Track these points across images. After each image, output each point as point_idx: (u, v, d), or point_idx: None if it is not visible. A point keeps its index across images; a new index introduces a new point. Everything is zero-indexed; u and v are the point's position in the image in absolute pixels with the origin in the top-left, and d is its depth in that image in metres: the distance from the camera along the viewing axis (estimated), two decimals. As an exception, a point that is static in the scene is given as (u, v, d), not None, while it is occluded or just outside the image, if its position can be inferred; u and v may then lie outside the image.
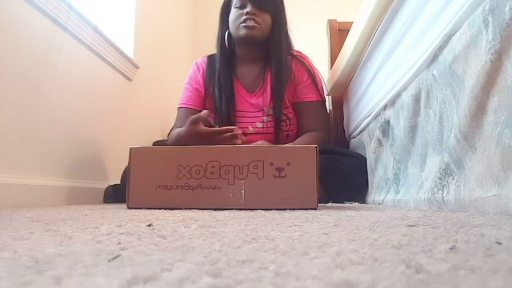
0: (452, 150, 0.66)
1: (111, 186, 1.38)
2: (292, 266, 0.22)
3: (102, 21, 1.49)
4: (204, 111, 1.11)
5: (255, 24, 1.32)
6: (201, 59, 1.48)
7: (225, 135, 1.07)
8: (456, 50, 0.68)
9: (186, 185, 0.83)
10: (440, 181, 0.71)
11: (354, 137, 1.49)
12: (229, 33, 1.39)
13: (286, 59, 1.38)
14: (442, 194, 0.70)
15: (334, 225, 0.44)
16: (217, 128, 1.10)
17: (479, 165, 0.59)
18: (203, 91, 1.42)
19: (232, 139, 1.06)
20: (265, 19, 1.34)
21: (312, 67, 1.44)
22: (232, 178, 0.82)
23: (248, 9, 1.31)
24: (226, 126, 1.35)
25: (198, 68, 1.45)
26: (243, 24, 1.32)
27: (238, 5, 1.34)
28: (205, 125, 1.10)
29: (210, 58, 1.46)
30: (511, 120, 0.52)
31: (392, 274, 0.20)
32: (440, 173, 0.71)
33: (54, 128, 1.16)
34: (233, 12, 1.36)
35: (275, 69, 1.36)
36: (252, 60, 1.41)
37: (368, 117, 1.25)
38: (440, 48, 0.74)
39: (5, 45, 0.96)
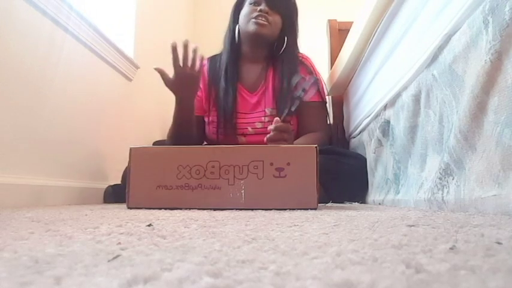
0: (452, 150, 0.66)
1: (111, 186, 1.38)
2: (292, 266, 0.22)
3: (102, 21, 1.49)
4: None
5: (266, 23, 1.33)
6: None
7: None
8: (456, 50, 0.68)
9: (186, 185, 0.83)
10: (440, 181, 0.71)
11: (354, 137, 1.49)
12: (238, 30, 1.40)
13: (297, 65, 1.39)
14: (442, 194, 0.70)
15: (334, 225, 0.44)
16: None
17: (479, 165, 0.59)
18: (203, 93, 1.42)
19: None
20: (276, 20, 1.36)
21: (313, 68, 1.45)
22: (232, 178, 0.82)
23: (262, 6, 1.34)
24: (229, 126, 1.36)
25: None
26: (254, 20, 1.34)
27: (253, 2, 1.37)
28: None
29: (212, 59, 1.46)
30: (511, 120, 0.52)
31: (392, 274, 0.20)
32: (440, 173, 0.71)
33: (54, 127, 1.16)
34: (246, 8, 1.38)
35: (286, 72, 1.36)
36: (255, 58, 1.41)
37: (368, 117, 1.25)
38: (440, 48, 0.74)
39: (5, 45, 0.96)
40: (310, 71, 1.42)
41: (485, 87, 0.58)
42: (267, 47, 1.39)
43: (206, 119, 1.44)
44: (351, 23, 1.33)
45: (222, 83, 1.39)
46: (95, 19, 1.38)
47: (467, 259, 0.23)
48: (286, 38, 1.38)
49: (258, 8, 1.34)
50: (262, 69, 1.41)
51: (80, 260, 0.23)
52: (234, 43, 1.41)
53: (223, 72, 1.40)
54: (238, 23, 1.40)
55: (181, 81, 1.09)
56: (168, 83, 1.12)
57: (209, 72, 1.44)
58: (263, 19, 1.33)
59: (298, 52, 1.46)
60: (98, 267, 0.22)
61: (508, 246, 0.27)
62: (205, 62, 1.47)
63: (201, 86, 1.43)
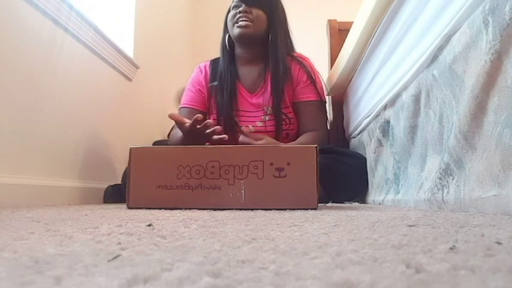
0: (452, 150, 0.66)
1: (111, 186, 1.38)
2: (292, 266, 0.22)
3: (102, 21, 1.49)
4: (196, 115, 1.07)
5: (248, 22, 1.35)
6: (204, 63, 1.51)
7: (213, 137, 1.07)
8: (456, 50, 0.68)
9: (186, 185, 0.83)
10: (440, 181, 0.71)
11: (354, 137, 1.49)
12: (229, 36, 1.42)
13: (284, 58, 1.39)
14: (442, 194, 0.70)
15: (334, 225, 0.44)
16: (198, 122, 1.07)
17: (479, 165, 0.59)
18: (206, 92, 1.44)
19: (217, 142, 1.07)
20: (259, 16, 1.37)
21: (312, 68, 1.45)
22: (232, 178, 0.82)
23: (241, 8, 1.35)
24: (228, 124, 1.37)
25: (201, 71, 1.48)
26: (237, 24, 1.36)
27: (234, 6, 1.39)
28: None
29: (214, 62, 1.49)
30: (511, 120, 0.52)
31: (392, 274, 0.20)
32: (440, 173, 0.71)
33: (54, 128, 1.15)
34: (230, 14, 1.40)
35: (273, 65, 1.38)
36: (252, 60, 1.43)
37: (368, 117, 1.25)
38: (440, 48, 0.74)
39: (6, 46, 0.96)
40: (308, 71, 1.43)
41: (485, 87, 0.58)
42: (258, 45, 1.40)
43: (208, 118, 1.45)
44: (351, 23, 1.33)
45: (221, 83, 1.40)
46: (95, 19, 1.38)
47: (467, 259, 0.23)
48: (270, 35, 1.39)
49: (238, 10, 1.36)
50: (261, 70, 1.42)
51: (80, 260, 0.23)
52: (227, 52, 1.44)
53: (222, 74, 1.41)
54: (228, 32, 1.43)
55: (194, 134, 1.09)
56: (182, 126, 1.11)
57: (211, 74, 1.45)
58: (244, 19, 1.35)
59: (293, 50, 1.47)
60: (98, 267, 0.22)
61: (508, 246, 0.27)
62: (208, 63, 1.49)
63: (203, 84, 1.45)
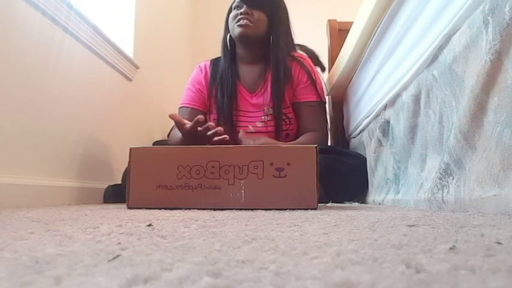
0: (452, 150, 0.66)
1: (111, 186, 1.38)
2: (292, 266, 0.22)
3: (102, 21, 1.49)
4: (198, 116, 1.06)
5: (248, 23, 1.35)
6: (204, 62, 1.51)
7: (214, 139, 1.06)
8: (456, 50, 0.68)
9: (186, 185, 0.83)
10: (440, 181, 0.71)
11: (354, 137, 1.49)
12: (230, 36, 1.43)
13: (285, 59, 1.39)
14: (442, 194, 0.70)
15: (334, 225, 0.44)
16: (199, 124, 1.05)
17: (479, 165, 0.59)
18: (206, 92, 1.44)
19: (219, 143, 1.06)
20: (260, 17, 1.37)
21: (312, 69, 1.45)
22: (232, 178, 0.82)
23: (243, 9, 1.36)
24: (229, 124, 1.37)
25: (201, 70, 1.48)
26: (237, 24, 1.36)
27: (236, 6, 1.39)
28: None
29: (214, 61, 1.49)
30: (511, 120, 0.52)
31: (392, 274, 0.20)
32: (440, 173, 0.71)
33: (54, 128, 1.15)
34: (231, 14, 1.40)
35: (274, 67, 1.38)
36: (253, 60, 1.43)
37: (368, 117, 1.25)
38: (440, 48, 0.74)
39: (6, 46, 0.96)
40: (309, 71, 1.43)
41: (485, 87, 0.58)
42: (259, 46, 1.40)
43: (208, 117, 1.45)
44: (351, 23, 1.33)
45: (222, 83, 1.40)
46: (95, 19, 1.38)
47: (467, 259, 0.23)
48: (271, 36, 1.39)
49: (239, 11, 1.36)
50: (262, 71, 1.42)
51: (80, 260, 0.23)
52: (228, 52, 1.44)
53: (222, 73, 1.41)
54: (229, 31, 1.43)
55: (194, 136, 1.08)
56: (182, 127, 1.10)
57: (211, 73, 1.46)
58: (245, 20, 1.35)
59: (294, 50, 1.47)
60: (98, 267, 0.22)
61: (508, 246, 0.27)
62: (208, 63, 1.49)
63: (203, 83, 1.44)
